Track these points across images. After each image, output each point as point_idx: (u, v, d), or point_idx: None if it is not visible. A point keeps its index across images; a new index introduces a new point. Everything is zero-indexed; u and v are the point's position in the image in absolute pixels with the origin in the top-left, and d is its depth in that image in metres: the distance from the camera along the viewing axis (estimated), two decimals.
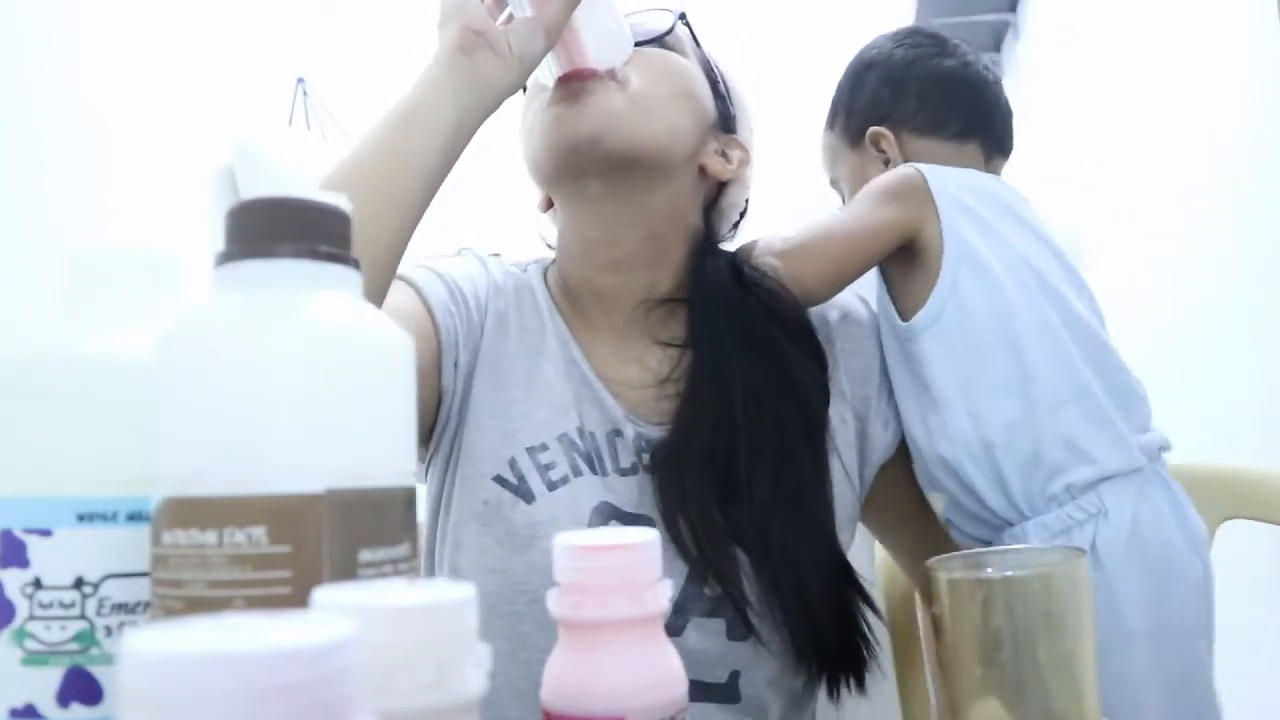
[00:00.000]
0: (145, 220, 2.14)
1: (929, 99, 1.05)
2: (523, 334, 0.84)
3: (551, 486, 0.76)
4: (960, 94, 1.06)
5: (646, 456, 0.78)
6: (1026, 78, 2.96)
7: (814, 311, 0.88)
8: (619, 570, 0.41)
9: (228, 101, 2.58)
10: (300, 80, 2.93)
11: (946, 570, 0.54)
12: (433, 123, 0.66)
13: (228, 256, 0.40)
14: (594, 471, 0.77)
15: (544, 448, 0.77)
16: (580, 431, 0.78)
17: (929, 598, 0.55)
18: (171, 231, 2.16)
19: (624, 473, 0.78)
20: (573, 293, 0.89)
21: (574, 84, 0.78)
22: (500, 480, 0.76)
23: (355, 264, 0.42)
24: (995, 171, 1.08)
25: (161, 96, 2.30)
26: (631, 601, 0.40)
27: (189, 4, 2.46)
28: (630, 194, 0.82)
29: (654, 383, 0.82)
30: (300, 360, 0.38)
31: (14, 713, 0.40)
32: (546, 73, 0.79)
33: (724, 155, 0.90)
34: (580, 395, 0.81)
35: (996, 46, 3.24)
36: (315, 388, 0.37)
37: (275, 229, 0.40)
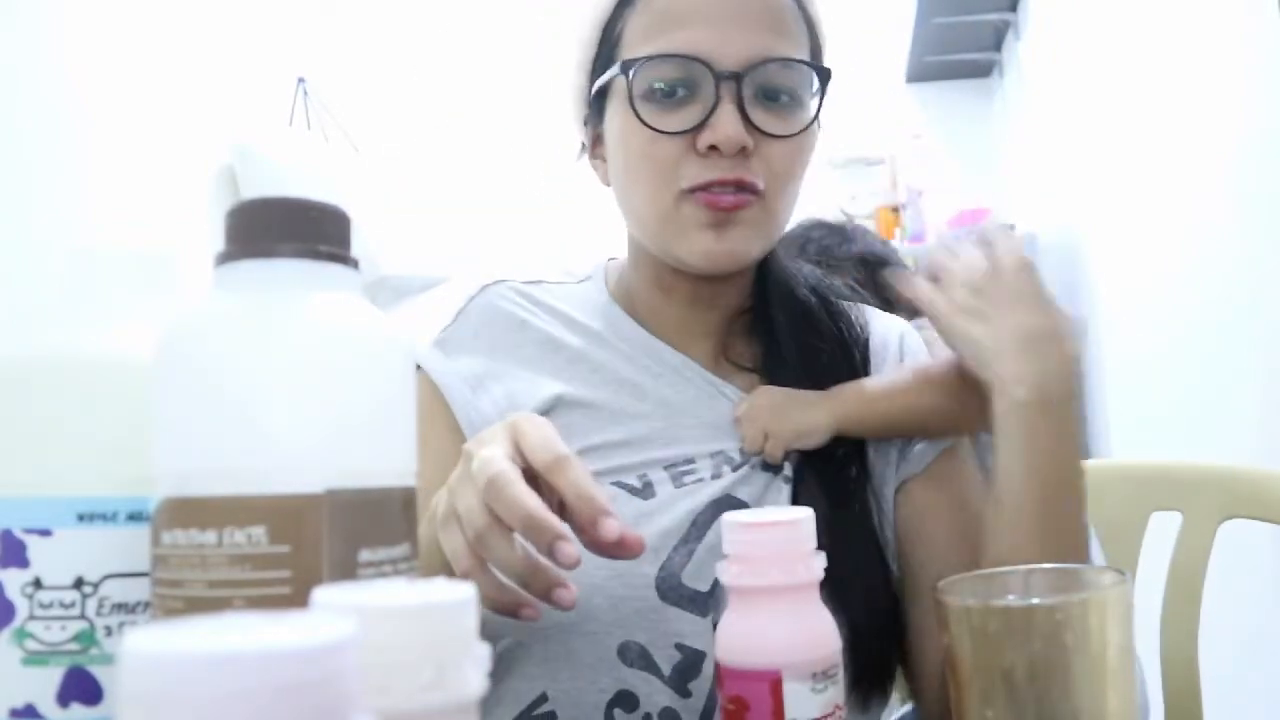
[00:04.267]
0: (145, 219, 2.14)
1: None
2: (591, 368, 0.82)
3: (679, 484, 0.75)
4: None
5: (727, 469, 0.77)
6: (1027, 78, 2.96)
7: (876, 333, 0.86)
8: (772, 544, 0.47)
9: (228, 101, 2.58)
10: (300, 80, 2.93)
11: (956, 594, 0.48)
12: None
13: (227, 256, 0.40)
14: (715, 477, 0.76)
15: (689, 460, 0.76)
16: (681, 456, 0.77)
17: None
18: (171, 231, 2.16)
19: (737, 467, 0.77)
20: (639, 308, 0.85)
21: (723, 214, 0.74)
22: (619, 483, 0.75)
23: (355, 264, 0.41)
24: None
25: (162, 96, 2.30)
26: (783, 571, 0.46)
27: (190, 4, 2.46)
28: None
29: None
30: (300, 361, 0.38)
31: (14, 713, 0.40)
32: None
33: None
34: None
35: (997, 46, 3.24)
36: (315, 388, 0.37)
37: (275, 229, 0.40)
